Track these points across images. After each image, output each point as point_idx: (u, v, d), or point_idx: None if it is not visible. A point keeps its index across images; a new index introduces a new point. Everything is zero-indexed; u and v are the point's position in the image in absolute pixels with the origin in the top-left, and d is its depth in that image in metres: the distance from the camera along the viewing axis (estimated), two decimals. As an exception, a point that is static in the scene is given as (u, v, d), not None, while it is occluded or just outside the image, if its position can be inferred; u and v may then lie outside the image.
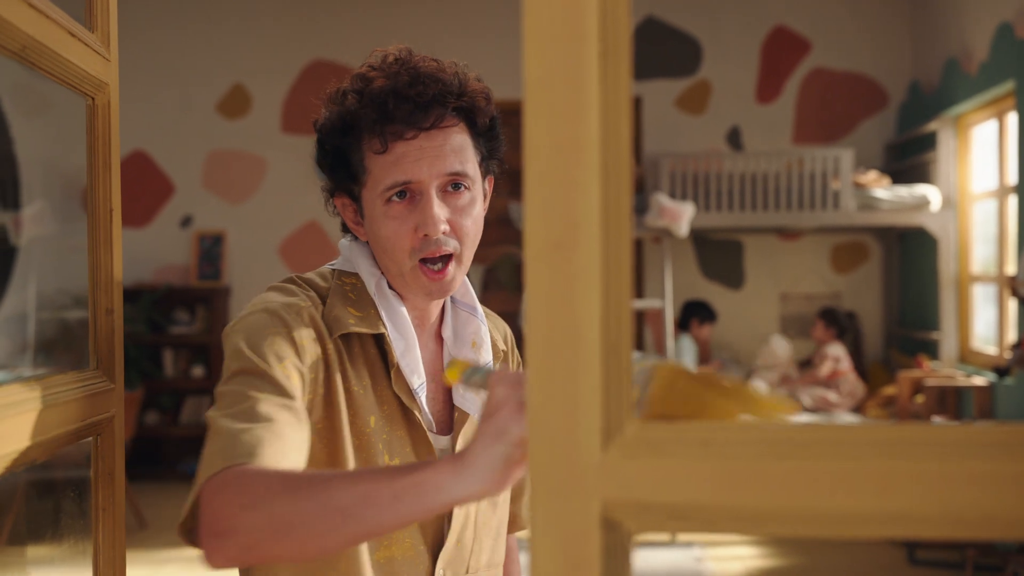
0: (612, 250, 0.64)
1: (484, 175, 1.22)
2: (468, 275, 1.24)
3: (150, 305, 6.13)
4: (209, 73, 6.38)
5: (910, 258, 5.82)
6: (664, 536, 4.44)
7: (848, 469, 0.65)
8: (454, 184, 1.16)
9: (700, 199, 5.31)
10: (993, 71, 4.54)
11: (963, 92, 4.92)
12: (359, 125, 1.14)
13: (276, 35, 6.37)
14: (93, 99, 1.14)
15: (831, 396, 5.26)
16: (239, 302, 6.23)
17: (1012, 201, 4.49)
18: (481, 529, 1.22)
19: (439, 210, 1.14)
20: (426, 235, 1.14)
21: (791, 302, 6.21)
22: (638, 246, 6.18)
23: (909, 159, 5.66)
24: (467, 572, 1.20)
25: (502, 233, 6.46)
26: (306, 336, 1.11)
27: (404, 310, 1.19)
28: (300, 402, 1.06)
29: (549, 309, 0.66)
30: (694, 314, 5.66)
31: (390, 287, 1.20)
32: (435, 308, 1.23)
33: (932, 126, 5.18)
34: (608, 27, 0.65)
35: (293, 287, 1.18)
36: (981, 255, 5.15)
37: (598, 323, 0.65)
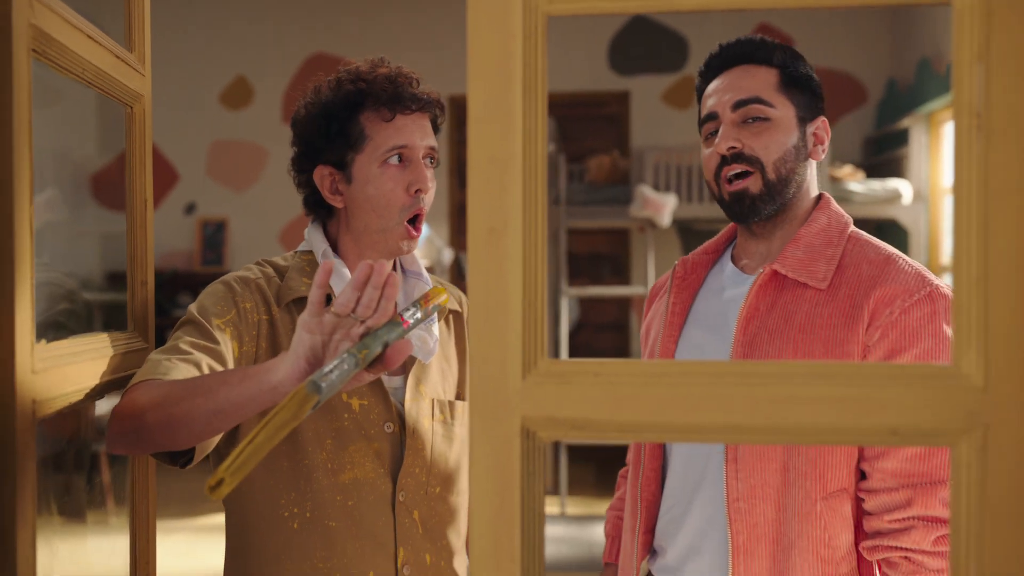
0: (531, 235, 0.89)
1: None
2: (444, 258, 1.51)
3: (155, 289, 6.36)
4: (213, 65, 6.60)
5: (903, 247, 6.06)
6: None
7: (699, 394, 0.89)
8: (431, 157, 1.45)
9: (684, 191, 5.54)
10: (947, 79, 4.78)
11: (934, 90, 5.16)
12: (368, 99, 1.41)
13: (278, 29, 6.59)
14: (131, 108, 1.37)
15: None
16: (240, 287, 6.47)
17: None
18: (438, 460, 1.45)
19: (428, 172, 1.43)
20: (418, 190, 1.41)
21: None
22: (624, 235, 6.42)
23: (885, 154, 5.89)
24: (425, 495, 1.43)
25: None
26: (248, 299, 1.38)
27: (348, 272, 1.43)
28: (226, 348, 1.32)
29: (486, 278, 0.90)
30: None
31: (338, 255, 1.45)
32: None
33: (905, 123, 5.42)
34: (529, 72, 0.89)
35: (253, 266, 1.46)
36: (951, 247, 5.39)
37: (520, 289, 0.90)
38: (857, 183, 5.38)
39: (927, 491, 1.30)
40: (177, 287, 6.54)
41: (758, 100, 1.42)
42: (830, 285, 1.40)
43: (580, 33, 6.36)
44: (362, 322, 1.13)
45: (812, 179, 1.49)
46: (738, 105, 1.42)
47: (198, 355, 1.27)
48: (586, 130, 6.41)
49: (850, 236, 1.45)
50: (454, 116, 6.10)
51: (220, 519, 5.15)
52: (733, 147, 1.41)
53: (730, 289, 1.49)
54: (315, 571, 1.36)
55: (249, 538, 1.39)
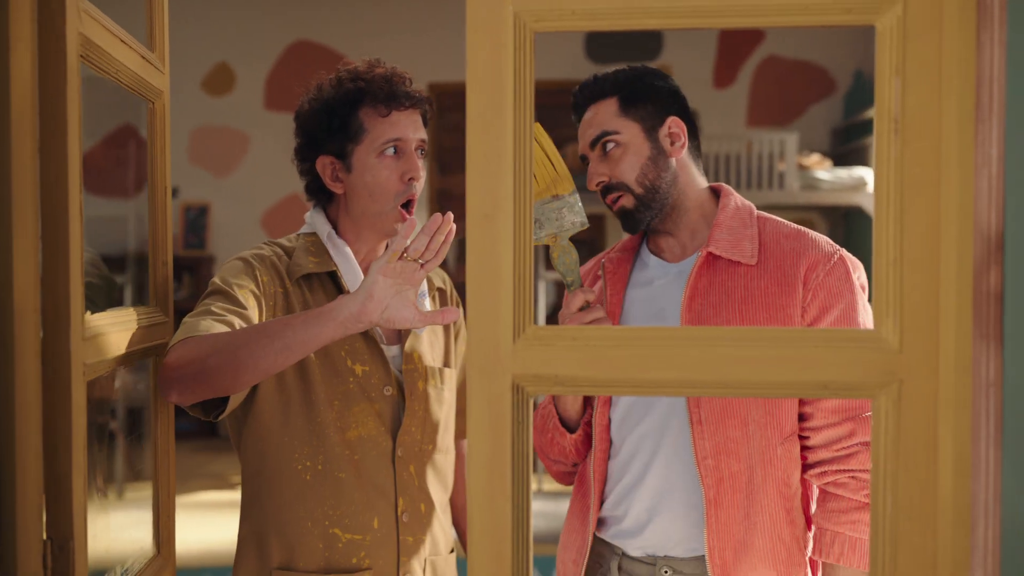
0: (520, 220, 1.03)
1: None
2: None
3: (139, 272, 6.47)
4: (195, 52, 6.69)
5: (852, 235, 6.25)
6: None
7: (662, 355, 1.05)
8: (421, 149, 1.63)
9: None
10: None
11: (899, 82, 5.34)
12: (366, 96, 1.58)
13: (260, 16, 6.68)
14: (153, 104, 1.51)
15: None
16: (223, 270, 6.58)
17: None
18: (430, 420, 1.61)
19: (419, 162, 1.61)
20: (411, 178, 1.58)
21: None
22: (601, 220, 6.58)
23: (852, 143, 6.08)
24: (419, 452, 1.60)
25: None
26: (265, 273, 1.56)
27: (350, 252, 1.61)
28: (252, 312, 1.49)
29: (481, 257, 1.05)
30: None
31: (339, 236, 1.62)
32: (380, 249, 1.64)
33: (870, 113, 5.60)
34: (518, 79, 1.04)
35: (264, 245, 1.63)
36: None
37: (511, 266, 1.05)
38: (824, 171, 5.56)
39: (865, 421, 1.49)
40: (160, 270, 6.63)
41: (604, 133, 1.59)
42: (758, 261, 1.58)
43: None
44: (421, 266, 1.44)
45: (689, 171, 1.64)
46: (593, 143, 1.61)
47: (231, 317, 1.42)
48: (565, 118, 6.53)
49: (758, 216, 1.64)
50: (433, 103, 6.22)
51: (207, 497, 5.28)
52: (600, 181, 1.60)
53: (659, 279, 1.66)
54: (326, 516, 1.52)
55: (265, 487, 1.54)
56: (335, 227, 1.63)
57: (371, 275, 1.41)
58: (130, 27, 1.35)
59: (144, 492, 1.64)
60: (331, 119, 1.59)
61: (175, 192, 6.78)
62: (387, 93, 1.58)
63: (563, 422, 1.67)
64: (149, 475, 1.65)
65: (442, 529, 1.64)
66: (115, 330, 1.28)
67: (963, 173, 1.00)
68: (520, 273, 1.04)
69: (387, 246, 1.62)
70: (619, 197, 1.59)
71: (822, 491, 1.58)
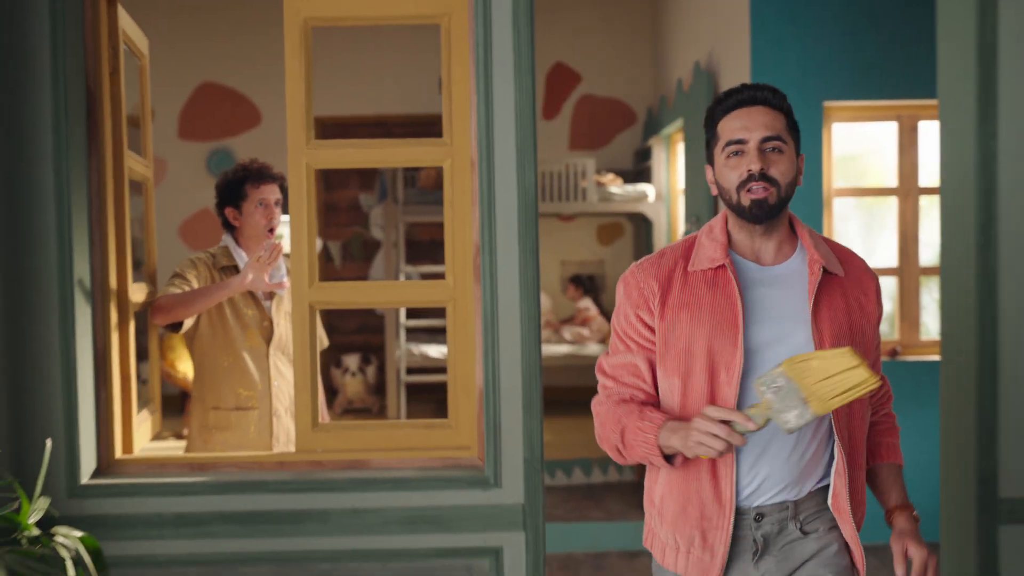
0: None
1: None
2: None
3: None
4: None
5: (639, 233, 8.04)
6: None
7: (362, 292, 2.75)
8: (279, 203, 3.31)
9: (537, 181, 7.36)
10: (676, 110, 6.74)
11: (668, 119, 7.11)
12: (249, 177, 3.22)
13: (174, 60, 8.15)
14: (143, 185, 3.11)
15: (584, 332, 7.46)
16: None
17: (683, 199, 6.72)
18: (285, 338, 3.24)
19: (277, 211, 3.24)
20: (272, 222, 3.25)
21: (568, 267, 8.40)
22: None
23: (644, 163, 7.87)
24: (283, 353, 3.24)
25: (352, 217, 8.44)
26: (202, 266, 3.17)
27: (244, 254, 3.24)
28: (194, 285, 3.10)
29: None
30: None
31: (238, 247, 3.25)
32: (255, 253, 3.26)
33: (651, 142, 7.38)
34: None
35: (201, 253, 3.25)
36: (683, 233, 7.36)
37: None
38: (616, 187, 7.31)
39: (886, 381, 2.15)
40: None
41: (778, 137, 1.93)
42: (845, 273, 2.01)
43: (413, 66, 8.11)
44: (268, 264, 3.03)
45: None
46: (765, 140, 1.92)
47: (184, 286, 3.05)
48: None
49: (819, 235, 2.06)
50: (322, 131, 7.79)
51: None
52: (762, 169, 1.91)
53: (765, 284, 1.97)
54: (236, 382, 3.16)
55: (203, 372, 3.17)
56: (236, 242, 3.26)
57: (244, 267, 3.05)
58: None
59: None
60: (231, 189, 3.22)
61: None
62: (257, 175, 3.21)
63: (667, 458, 1.94)
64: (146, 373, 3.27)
65: (289, 389, 3.28)
66: (139, 291, 2.90)
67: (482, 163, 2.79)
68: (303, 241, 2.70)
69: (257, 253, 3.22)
70: (768, 193, 1.90)
71: (876, 421, 2.12)
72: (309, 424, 2.66)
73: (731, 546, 1.97)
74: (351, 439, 2.68)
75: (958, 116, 2.63)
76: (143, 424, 2.95)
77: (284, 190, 3.28)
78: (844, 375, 1.73)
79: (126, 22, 2.84)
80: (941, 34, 2.70)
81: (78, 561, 2.04)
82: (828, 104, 5.19)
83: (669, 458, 1.93)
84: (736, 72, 5.35)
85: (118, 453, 2.72)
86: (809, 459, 1.97)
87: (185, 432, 4.90)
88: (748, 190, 1.91)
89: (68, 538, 2.05)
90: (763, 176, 1.90)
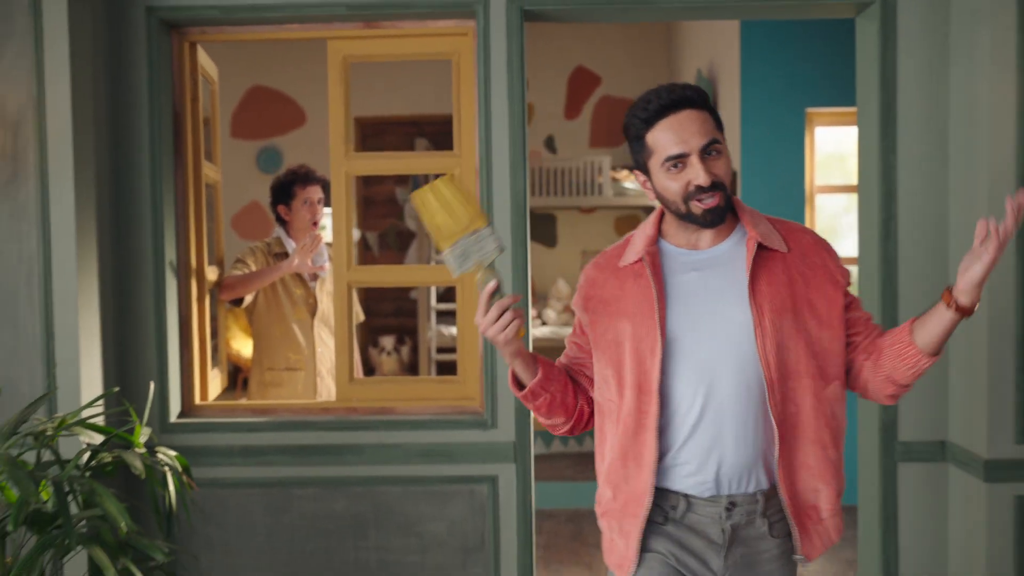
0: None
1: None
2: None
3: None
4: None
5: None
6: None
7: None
8: (322, 201, 3.99)
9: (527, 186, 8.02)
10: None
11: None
12: (297, 179, 3.97)
13: (224, 66, 8.88)
14: (214, 187, 3.83)
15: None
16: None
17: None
18: (327, 312, 3.96)
19: (319, 208, 3.96)
20: (315, 216, 3.97)
21: (589, 256, 9.05)
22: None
23: (658, 160, 8.47)
24: (325, 325, 3.95)
25: (388, 209, 9.16)
26: (259, 252, 3.91)
27: (293, 243, 3.96)
28: (252, 268, 3.83)
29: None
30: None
31: (288, 238, 3.97)
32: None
33: (663, 141, 7.99)
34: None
35: (257, 243, 3.99)
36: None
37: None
38: (630, 183, 7.94)
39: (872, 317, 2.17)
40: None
41: (715, 140, 1.87)
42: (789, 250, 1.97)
43: (444, 72, 8.78)
44: (310, 251, 3.75)
45: None
46: (706, 147, 1.86)
47: (244, 269, 3.76)
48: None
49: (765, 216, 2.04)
50: (358, 133, 8.50)
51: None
52: (712, 179, 1.86)
53: (697, 268, 1.95)
54: (286, 348, 3.87)
55: (260, 340, 3.89)
56: (287, 233, 3.97)
57: (292, 253, 3.78)
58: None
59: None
60: (282, 190, 3.94)
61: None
62: (304, 178, 3.92)
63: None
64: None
65: (330, 354, 3.98)
66: (211, 272, 3.62)
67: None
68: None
69: (302, 242, 3.93)
70: (720, 199, 1.87)
71: (875, 340, 2.00)
72: (347, 379, 3.36)
73: (698, 535, 1.95)
74: (380, 391, 3.38)
75: (867, 132, 3.25)
76: (214, 379, 3.67)
77: (326, 189, 3.98)
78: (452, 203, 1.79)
79: (203, 57, 3.55)
80: (858, 64, 3.32)
81: (174, 472, 2.74)
82: (810, 111, 5.80)
83: (525, 388, 2.02)
84: (729, 82, 5.97)
85: (197, 400, 3.44)
86: (765, 446, 1.93)
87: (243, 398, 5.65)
88: (699, 200, 1.88)
89: (166, 455, 2.76)
90: (714, 185, 1.87)
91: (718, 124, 1.92)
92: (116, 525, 2.28)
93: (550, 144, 9.00)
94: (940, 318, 1.88)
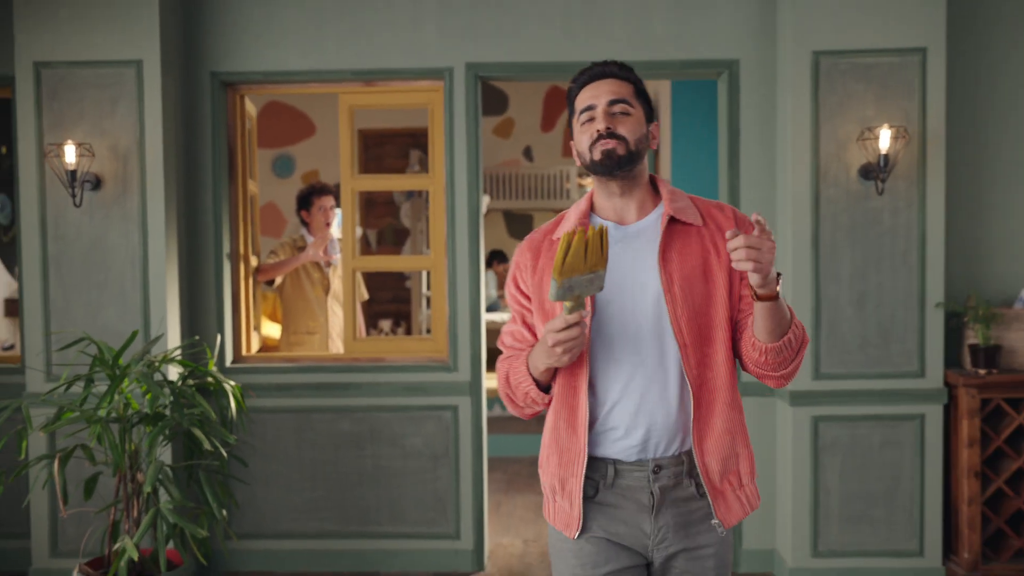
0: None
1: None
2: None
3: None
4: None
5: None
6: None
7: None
8: (334, 207, 5.36)
9: (507, 191, 9.28)
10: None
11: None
12: (314, 191, 5.35)
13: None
14: (254, 198, 5.16)
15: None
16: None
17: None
18: (339, 288, 5.30)
19: (332, 212, 5.31)
20: (328, 219, 5.31)
21: (561, 251, 10.33)
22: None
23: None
24: (336, 302, 5.29)
25: (387, 210, 10.48)
26: (287, 246, 5.27)
27: (312, 239, 5.30)
28: (282, 256, 5.18)
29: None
30: (494, 257, 9.73)
31: (309, 235, 5.32)
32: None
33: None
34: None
35: (287, 238, 5.33)
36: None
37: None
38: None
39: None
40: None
41: (625, 100, 2.00)
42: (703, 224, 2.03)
43: (440, 91, 10.08)
44: (322, 245, 5.14)
45: (646, 163, 2.06)
46: (612, 103, 1.99)
47: (277, 258, 5.11)
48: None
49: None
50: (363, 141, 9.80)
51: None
52: (608, 128, 1.96)
53: (622, 241, 2.00)
54: (306, 324, 5.21)
55: (287, 312, 5.23)
56: (308, 231, 5.30)
57: (309, 246, 5.11)
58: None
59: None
60: (304, 199, 5.28)
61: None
62: (319, 190, 5.27)
63: (539, 385, 2.01)
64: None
65: (339, 323, 5.30)
66: (253, 260, 4.95)
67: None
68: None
69: (317, 238, 5.25)
70: (616, 144, 1.95)
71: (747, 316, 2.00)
72: (352, 337, 4.69)
73: (628, 500, 1.99)
74: (375, 346, 4.71)
75: (722, 160, 4.58)
76: (255, 339, 5.00)
77: (336, 196, 5.30)
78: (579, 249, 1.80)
79: (248, 104, 4.88)
80: (718, 113, 4.63)
81: (233, 393, 4.07)
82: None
83: (548, 390, 2.04)
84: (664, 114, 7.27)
85: (243, 352, 4.77)
86: (688, 409, 1.97)
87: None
88: (598, 145, 1.97)
89: (228, 383, 4.09)
90: (611, 134, 1.96)
91: (639, 96, 2.05)
92: (208, 416, 3.61)
93: (528, 154, 10.29)
94: (757, 309, 1.92)
